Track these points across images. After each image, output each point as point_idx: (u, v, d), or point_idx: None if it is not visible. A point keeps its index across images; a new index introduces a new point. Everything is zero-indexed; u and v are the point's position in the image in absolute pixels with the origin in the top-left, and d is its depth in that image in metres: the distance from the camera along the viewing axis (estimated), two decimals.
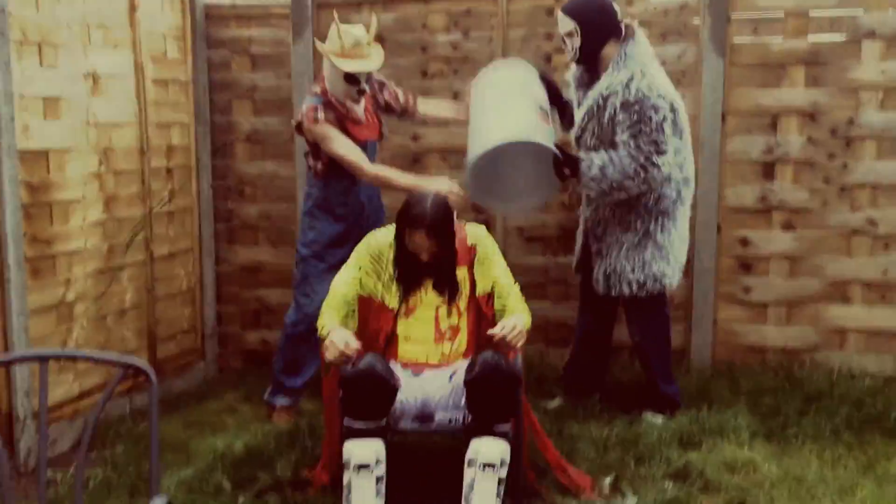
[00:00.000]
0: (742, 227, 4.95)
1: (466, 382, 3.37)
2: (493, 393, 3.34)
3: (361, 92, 4.33)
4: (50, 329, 4.25)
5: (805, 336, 4.92)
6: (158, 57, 5.02)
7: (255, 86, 5.52)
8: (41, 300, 4.18)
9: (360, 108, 4.43)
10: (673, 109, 4.15)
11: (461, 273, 3.63)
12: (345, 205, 4.50)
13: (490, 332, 3.47)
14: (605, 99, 4.17)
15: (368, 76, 4.35)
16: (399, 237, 3.56)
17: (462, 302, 3.63)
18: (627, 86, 4.10)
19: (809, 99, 4.80)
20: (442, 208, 3.50)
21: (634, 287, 4.31)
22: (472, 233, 3.70)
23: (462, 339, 3.65)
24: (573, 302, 4.93)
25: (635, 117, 4.08)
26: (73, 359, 3.43)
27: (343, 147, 4.31)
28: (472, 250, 3.65)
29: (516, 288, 3.71)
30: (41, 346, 4.13)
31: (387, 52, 4.67)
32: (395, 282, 3.61)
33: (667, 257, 4.30)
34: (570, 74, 4.52)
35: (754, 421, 4.33)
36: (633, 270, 4.29)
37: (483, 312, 3.66)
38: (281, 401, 4.68)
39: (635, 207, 4.26)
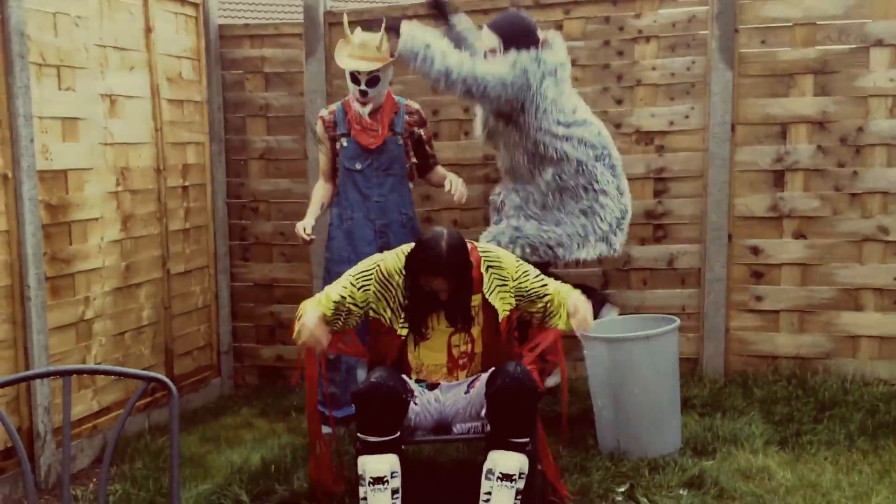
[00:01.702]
0: (753, 236, 4.98)
1: (488, 394, 3.38)
2: (514, 405, 3.33)
3: (363, 93, 4.50)
4: (69, 346, 4.31)
5: (818, 344, 4.93)
6: (174, 77, 5.10)
7: (268, 104, 5.59)
8: (61, 318, 4.24)
9: (364, 112, 4.56)
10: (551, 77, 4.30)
11: (475, 300, 3.55)
12: (352, 218, 4.64)
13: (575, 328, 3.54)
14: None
15: (379, 89, 4.55)
16: (412, 278, 3.48)
17: (476, 329, 3.58)
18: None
19: (818, 108, 4.82)
20: (458, 249, 3.40)
21: (528, 250, 4.40)
22: (487, 257, 3.59)
23: (477, 363, 3.62)
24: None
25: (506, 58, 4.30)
26: (96, 374, 3.48)
27: (321, 156, 4.74)
28: (482, 277, 3.55)
29: (551, 281, 3.67)
30: (61, 363, 4.20)
31: (399, 68, 4.74)
32: (404, 311, 3.54)
33: (563, 231, 4.41)
34: None
35: (768, 429, 4.34)
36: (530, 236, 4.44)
37: (501, 333, 3.58)
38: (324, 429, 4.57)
39: (537, 182, 4.43)
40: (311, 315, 3.43)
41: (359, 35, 4.52)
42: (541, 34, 4.44)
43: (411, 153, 4.72)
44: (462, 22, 4.82)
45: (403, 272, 3.52)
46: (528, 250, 4.39)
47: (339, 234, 4.64)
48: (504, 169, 4.66)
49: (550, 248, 4.41)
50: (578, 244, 4.41)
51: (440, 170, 4.86)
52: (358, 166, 4.60)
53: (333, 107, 4.71)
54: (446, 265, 3.37)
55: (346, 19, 4.61)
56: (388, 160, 4.63)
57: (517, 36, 4.36)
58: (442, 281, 3.40)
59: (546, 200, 4.44)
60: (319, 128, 4.70)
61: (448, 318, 3.54)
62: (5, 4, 3.85)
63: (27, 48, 3.95)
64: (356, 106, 4.57)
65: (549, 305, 3.63)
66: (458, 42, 4.58)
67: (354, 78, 4.51)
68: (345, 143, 4.61)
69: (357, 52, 4.49)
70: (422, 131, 4.74)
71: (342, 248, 4.61)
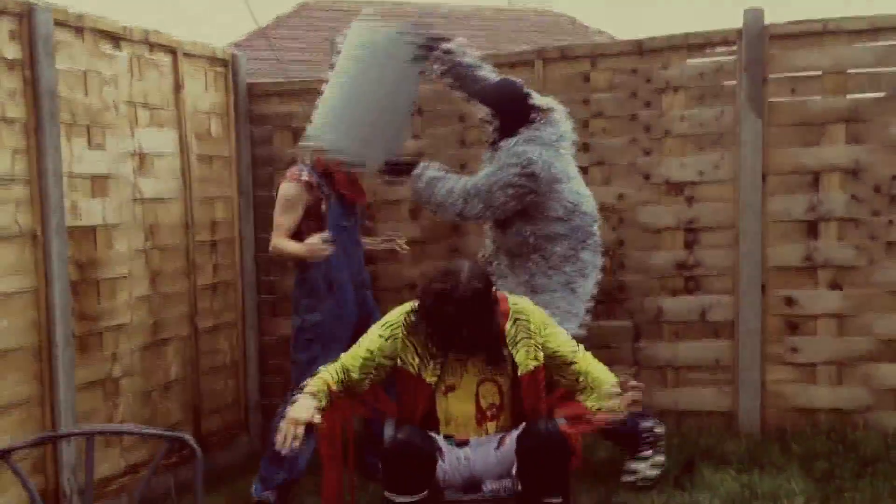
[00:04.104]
0: (787, 287, 4.89)
1: (518, 452, 3.32)
2: (545, 463, 3.27)
3: None
4: (96, 404, 4.29)
5: (857, 397, 4.80)
6: (203, 134, 5.14)
7: (296, 160, 5.59)
8: (88, 376, 4.23)
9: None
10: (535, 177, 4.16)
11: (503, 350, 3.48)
12: (338, 279, 4.49)
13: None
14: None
15: None
16: (425, 307, 3.41)
17: (503, 380, 3.50)
18: (510, 146, 4.20)
19: (851, 156, 4.76)
20: (478, 279, 3.37)
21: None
22: (515, 308, 3.53)
23: (506, 417, 3.54)
24: (616, 367, 4.87)
25: (496, 165, 4.19)
26: (119, 434, 3.45)
27: (281, 215, 4.47)
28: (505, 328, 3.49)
29: (583, 352, 3.59)
30: (88, 422, 4.17)
31: (425, 122, 4.76)
32: (432, 357, 3.49)
33: (549, 307, 4.16)
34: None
35: (808, 486, 4.21)
36: None
37: (525, 391, 3.49)
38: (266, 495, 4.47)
39: (527, 260, 4.29)
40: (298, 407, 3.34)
41: None
42: (540, 100, 4.36)
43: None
44: (455, 49, 4.48)
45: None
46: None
47: (328, 299, 4.48)
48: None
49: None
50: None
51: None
52: (346, 224, 4.50)
53: (304, 172, 4.47)
54: (460, 294, 3.29)
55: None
56: (359, 215, 4.66)
57: (508, 109, 4.27)
58: (453, 310, 3.31)
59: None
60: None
61: (483, 362, 3.45)
62: (37, 65, 3.90)
63: (58, 107, 4.00)
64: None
65: (578, 377, 3.53)
66: (457, 65, 4.45)
67: None
68: (331, 203, 4.46)
69: None
70: None
71: (332, 311, 4.48)
